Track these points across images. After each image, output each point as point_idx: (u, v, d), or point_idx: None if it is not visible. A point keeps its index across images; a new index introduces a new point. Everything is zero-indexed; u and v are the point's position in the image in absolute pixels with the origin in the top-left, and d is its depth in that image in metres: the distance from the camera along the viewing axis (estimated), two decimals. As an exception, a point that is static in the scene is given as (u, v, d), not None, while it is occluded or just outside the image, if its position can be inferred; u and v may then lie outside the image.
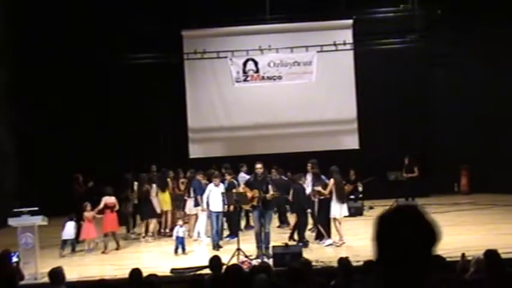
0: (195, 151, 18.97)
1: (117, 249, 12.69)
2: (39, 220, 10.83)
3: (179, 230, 12.15)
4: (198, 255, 11.99)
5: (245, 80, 18.37)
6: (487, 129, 17.38)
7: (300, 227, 12.25)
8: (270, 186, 11.25)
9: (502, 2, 16.53)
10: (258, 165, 11.36)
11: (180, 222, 12.56)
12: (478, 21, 17.23)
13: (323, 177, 12.41)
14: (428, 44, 18.42)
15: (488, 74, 17.50)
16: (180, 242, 12.00)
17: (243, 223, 14.27)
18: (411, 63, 18.50)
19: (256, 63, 18.21)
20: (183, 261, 11.18)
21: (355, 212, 15.38)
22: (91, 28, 17.54)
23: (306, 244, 11.89)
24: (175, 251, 11.96)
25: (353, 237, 12.91)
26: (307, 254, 10.59)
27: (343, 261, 7.08)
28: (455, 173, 15.26)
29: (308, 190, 12.41)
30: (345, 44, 18.19)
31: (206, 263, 10.07)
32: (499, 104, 17.36)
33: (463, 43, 17.90)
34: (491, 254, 6.60)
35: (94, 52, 17.62)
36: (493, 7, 16.73)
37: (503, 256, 6.93)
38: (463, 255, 8.01)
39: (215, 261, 7.24)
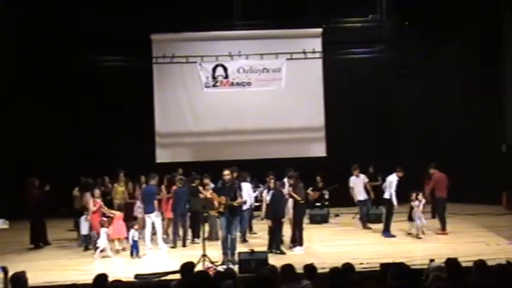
0: (162, 155, 18.86)
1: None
2: (0, 224, 10.64)
3: (134, 234, 12.21)
4: (158, 260, 11.97)
5: (214, 86, 18.35)
6: (453, 139, 17.69)
7: (276, 234, 12.25)
8: (238, 193, 11.28)
9: (468, 14, 16.85)
10: (226, 172, 11.38)
11: (136, 226, 12.57)
12: (445, 32, 17.56)
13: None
14: (395, 54, 18.67)
15: (454, 84, 17.82)
16: (135, 245, 12.11)
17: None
18: (379, 73, 18.72)
19: (225, 69, 18.23)
20: (145, 267, 11.12)
21: (320, 220, 15.51)
22: (59, 29, 17.33)
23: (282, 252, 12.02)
24: (131, 254, 12.10)
25: (319, 244, 13.05)
26: (272, 260, 10.62)
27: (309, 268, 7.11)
28: (420, 182, 15.48)
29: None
30: (314, 52, 18.32)
31: (171, 269, 10.14)
32: (465, 115, 17.69)
33: (430, 54, 18.21)
34: (451, 263, 6.72)
35: (62, 54, 17.46)
36: (459, 19, 17.06)
37: (464, 264, 7.04)
38: (431, 261, 8.09)
39: (188, 267, 7.19)
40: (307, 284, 6.53)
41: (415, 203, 13.37)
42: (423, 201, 13.53)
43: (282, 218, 12.31)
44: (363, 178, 15.05)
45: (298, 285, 6.50)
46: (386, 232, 13.59)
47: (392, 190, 13.45)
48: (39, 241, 13.48)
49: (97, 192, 12.99)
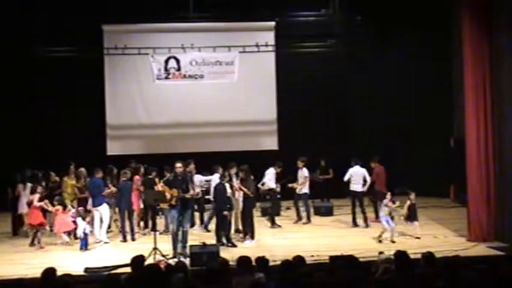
0: (113, 148, 18.62)
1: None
2: None
3: (86, 227, 12.18)
4: (108, 253, 11.91)
5: (166, 78, 18.19)
6: (403, 133, 18.03)
7: (221, 227, 12.26)
8: (190, 186, 11.29)
9: (421, 9, 17.16)
10: (178, 164, 11.39)
11: (88, 219, 12.51)
12: (397, 27, 17.84)
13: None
14: (347, 49, 18.87)
15: (405, 78, 18.13)
16: (84, 238, 12.11)
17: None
18: (331, 67, 18.87)
19: (178, 61, 18.08)
20: (95, 260, 11.02)
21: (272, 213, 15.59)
22: (7, 17, 16.88)
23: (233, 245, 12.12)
24: (81, 248, 12.08)
25: (270, 237, 13.15)
26: (224, 253, 10.66)
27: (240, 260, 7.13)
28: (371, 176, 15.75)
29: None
30: (267, 45, 18.33)
31: (121, 262, 10.07)
32: (417, 109, 18.04)
33: (382, 49, 18.41)
34: (400, 255, 6.88)
35: (9, 44, 17.00)
36: (412, 14, 17.35)
37: (412, 257, 7.21)
38: (380, 253, 8.27)
39: (138, 260, 7.15)
40: (260, 276, 6.58)
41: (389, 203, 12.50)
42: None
43: (225, 211, 12.28)
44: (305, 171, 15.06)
45: (251, 277, 6.55)
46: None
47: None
48: None
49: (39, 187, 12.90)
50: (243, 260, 6.95)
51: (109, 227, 13.61)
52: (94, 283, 8.33)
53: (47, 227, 13.20)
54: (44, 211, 12.90)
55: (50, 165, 14.80)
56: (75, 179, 13.95)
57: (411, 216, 12.51)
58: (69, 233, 12.78)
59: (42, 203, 12.65)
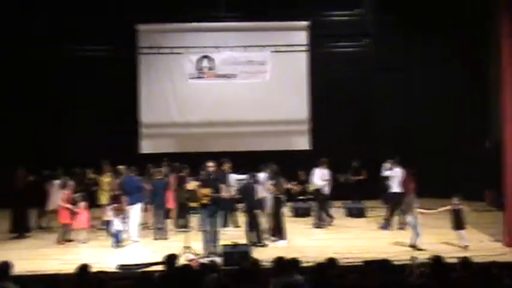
0: (146, 146, 18.78)
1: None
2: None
3: (118, 224, 12.29)
4: (140, 251, 11.95)
5: (199, 77, 18.34)
6: (435, 134, 17.79)
7: (252, 227, 12.24)
8: (222, 185, 11.28)
9: (454, 12, 16.93)
10: (210, 164, 11.37)
11: (120, 216, 12.62)
12: (430, 27, 17.57)
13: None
14: (379, 49, 18.72)
15: (438, 79, 17.89)
16: (117, 236, 12.21)
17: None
18: (363, 67, 18.72)
19: (211, 61, 18.23)
20: (127, 257, 11.11)
21: (304, 213, 15.56)
22: (43, 18, 17.16)
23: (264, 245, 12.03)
24: (113, 244, 12.17)
25: (302, 238, 13.09)
26: (255, 253, 10.65)
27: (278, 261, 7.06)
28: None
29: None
30: (299, 45, 18.31)
31: (153, 260, 10.14)
32: (446, 110, 17.80)
33: (415, 49, 18.25)
34: (436, 259, 6.78)
35: (45, 44, 17.29)
36: (445, 16, 17.13)
37: (448, 261, 7.10)
38: (412, 258, 8.17)
39: (171, 259, 7.19)
40: (299, 278, 6.54)
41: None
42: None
43: (255, 210, 12.22)
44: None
45: (290, 279, 6.51)
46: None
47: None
48: (19, 231, 13.41)
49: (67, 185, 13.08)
50: (281, 261, 6.90)
51: (142, 224, 13.73)
52: (127, 280, 8.40)
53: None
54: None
55: (84, 163, 14.99)
56: (111, 177, 14.11)
57: (455, 224, 11.72)
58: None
59: (67, 204, 12.77)
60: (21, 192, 13.47)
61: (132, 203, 12.72)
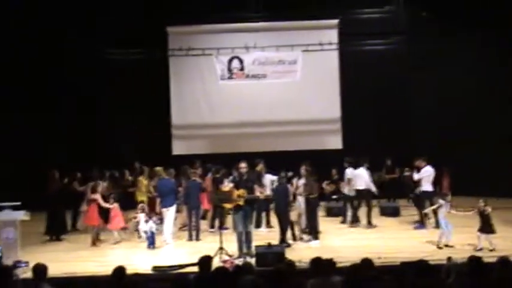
0: (178, 148, 18.91)
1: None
2: (21, 215, 10.78)
3: (152, 226, 12.36)
4: (174, 252, 11.99)
5: (230, 78, 18.41)
6: (468, 131, 17.53)
7: (284, 228, 12.19)
8: (255, 186, 11.24)
9: (488, 7, 16.65)
10: (243, 165, 11.28)
11: (154, 218, 12.73)
12: (463, 24, 17.33)
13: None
14: (411, 47, 18.54)
15: (472, 76, 17.63)
16: (152, 237, 12.27)
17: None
18: (395, 64, 18.60)
19: (241, 61, 18.27)
20: (162, 259, 11.16)
21: (337, 212, 15.45)
22: (74, 22, 17.41)
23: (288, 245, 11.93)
24: (148, 246, 12.24)
25: (335, 238, 13.01)
26: (289, 254, 10.63)
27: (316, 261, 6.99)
28: (437, 175, 15.31)
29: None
30: (330, 44, 18.24)
31: (187, 261, 10.18)
32: (479, 107, 17.53)
33: (447, 45, 18.00)
34: (474, 259, 6.66)
35: (76, 46, 17.55)
36: (475, 11, 16.85)
37: (486, 260, 6.97)
38: (449, 258, 8.06)
39: (206, 260, 7.21)
40: (337, 279, 6.48)
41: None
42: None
43: (285, 210, 12.14)
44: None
45: (329, 280, 6.46)
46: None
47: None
48: (54, 234, 13.56)
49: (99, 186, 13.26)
50: (318, 261, 6.84)
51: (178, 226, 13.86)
52: (162, 282, 8.45)
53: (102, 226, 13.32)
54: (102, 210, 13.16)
55: (119, 165, 15.18)
56: (148, 179, 14.23)
57: (482, 227, 11.15)
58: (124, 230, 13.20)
59: (99, 200, 12.93)
60: (55, 194, 13.63)
61: (166, 206, 12.77)
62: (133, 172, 15.13)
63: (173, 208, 12.85)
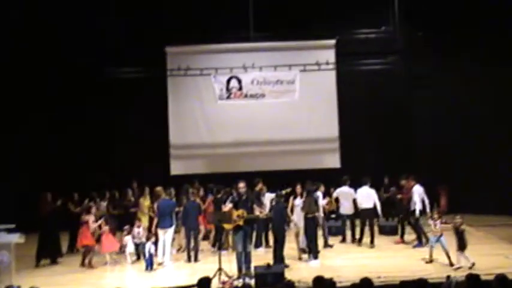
0: (177, 168, 18.90)
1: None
2: (16, 238, 10.65)
3: (150, 247, 12.29)
4: (172, 274, 11.95)
5: (228, 98, 18.42)
6: (467, 150, 17.56)
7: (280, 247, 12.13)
8: (254, 205, 11.23)
9: (482, 24, 16.80)
10: (241, 185, 11.24)
11: (153, 239, 12.68)
12: (459, 43, 17.47)
13: None
14: (409, 65, 18.67)
15: (467, 95, 17.70)
16: (150, 259, 12.20)
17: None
18: (392, 84, 18.71)
19: (239, 81, 18.30)
20: (160, 280, 11.12)
21: (336, 232, 15.41)
22: (72, 40, 17.49)
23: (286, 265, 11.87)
24: (146, 268, 12.17)
25: (335, 257, 12.97)
26: (288, 274, 10.60)
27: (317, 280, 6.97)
28: (434, 193, 15.33)
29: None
30: (327, 63, 18.32)
31: (186, 283, 10.15)
32: (478, 126, 17.57)
33: (444, 65, 18.13)
34: (472, 277, 6.68)
35: (75, 66, 17.61)
36: (472, 31, 16.99)
37: (484, 278, 6.99)
38: (448, 277, 8.07)
39: (205, 282, 7.19)
40: None
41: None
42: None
43: (282, 230, 12.06)
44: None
45: None
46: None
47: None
48: (46, 256, 13.27)
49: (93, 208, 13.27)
50: (320, 281, 6.83)
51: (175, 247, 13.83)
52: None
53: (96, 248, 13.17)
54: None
55: (116, 186, 15.15)
56: (149, 200, 14.21)
57: (459, 245, 11.22)
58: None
59: (96, 224, 12.88)
60: (46, 216, 13.31)
61: (165, 227, 12.70)
62: (133, 192, 15.10)
63: (171, 229, 12.79)
